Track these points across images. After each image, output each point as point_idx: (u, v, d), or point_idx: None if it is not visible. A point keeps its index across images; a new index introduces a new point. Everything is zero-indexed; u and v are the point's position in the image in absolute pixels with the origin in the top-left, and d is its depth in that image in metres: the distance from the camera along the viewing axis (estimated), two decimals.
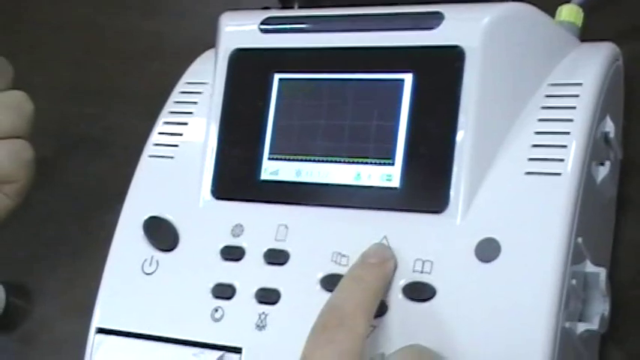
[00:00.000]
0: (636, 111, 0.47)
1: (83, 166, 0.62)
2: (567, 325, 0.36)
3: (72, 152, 0.63)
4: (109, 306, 0.43)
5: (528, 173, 0.38)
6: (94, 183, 0.61)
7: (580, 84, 0.40)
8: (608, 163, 0.41)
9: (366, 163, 0.40)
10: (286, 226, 0.41)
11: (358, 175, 0.40)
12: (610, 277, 0.40)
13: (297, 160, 0.42)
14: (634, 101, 0.47)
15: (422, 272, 0.38)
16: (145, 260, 0.43)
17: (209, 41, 0.47)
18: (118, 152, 0.61)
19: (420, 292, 0.37)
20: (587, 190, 0.38)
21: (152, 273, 0.43)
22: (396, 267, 0.38)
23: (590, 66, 0.41)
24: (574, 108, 0.39)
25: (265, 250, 0.41)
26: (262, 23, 0.44)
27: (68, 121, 0.64)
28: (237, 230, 0.42)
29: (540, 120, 0.39)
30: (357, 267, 0.38)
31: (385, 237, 0.39)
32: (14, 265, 0.60)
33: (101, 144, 0.63)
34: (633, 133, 0.47)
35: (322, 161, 0.41)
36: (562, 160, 0.38)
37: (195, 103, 0.46)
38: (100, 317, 0.43)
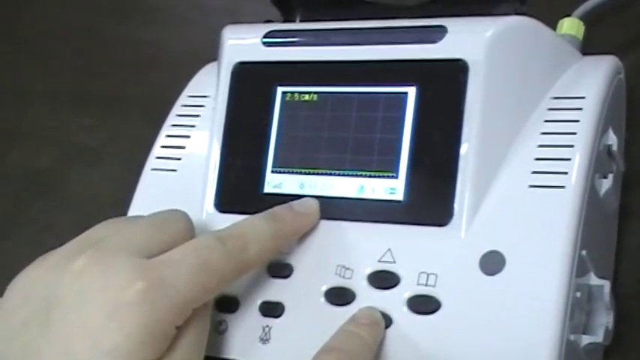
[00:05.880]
0: (638, 122, 0.48)
1: (83, 175, 0.62)
2: (572, 337, 0.36)
3: (72, 161, 0.63)
4: None
5: (532, 186, 0.38)
6: (94, 192, 0.61)
7: (583, 97, 0.40)
8: (611, 176, 0.41)
9: (370, 176, 0.40)
10: None
11: (362, 188, 0.40)
12: (613, 288, 0.40)
13: (301, 173, 0.42)
14: (636, 113, 0.47)
15: (426, 285, 0.38)
16: None
17: (208, 51, 0.47)
18: (117, 161, 0.61)
19: (424, 305, 0.37)
20: (591, 202, 0.38)
21: None
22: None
23: (593, 79, 0.41)
24: (577, 121, 0.39)
25: (269, 263, 0.41)
26: (265, 37, 0.44)
27: (68, 130, 0.64)
28: None
29: (543, 133, 0.39)
30: (349, 324, 0.38)
31: (389, 250, 0.39)
32: (15, 275, 0.59)
33: (101, 153, 0.62)
34: (636, 144, 0.47)
35: (326, 174, 0.41)
36: (566, 173, 0.38)
37: (197, 116, 0.46)
38: None
